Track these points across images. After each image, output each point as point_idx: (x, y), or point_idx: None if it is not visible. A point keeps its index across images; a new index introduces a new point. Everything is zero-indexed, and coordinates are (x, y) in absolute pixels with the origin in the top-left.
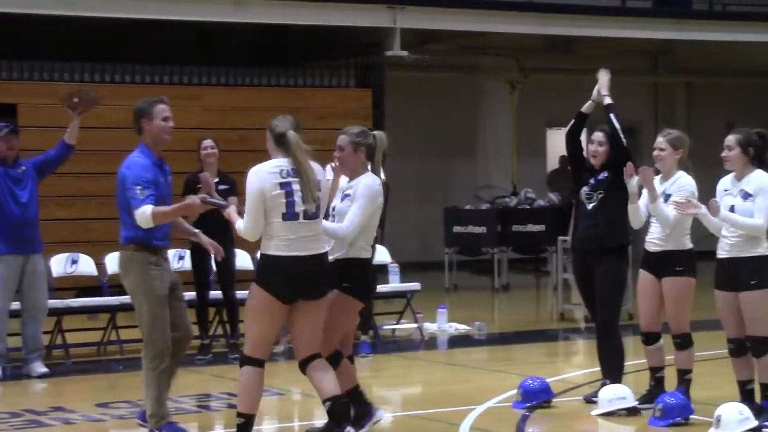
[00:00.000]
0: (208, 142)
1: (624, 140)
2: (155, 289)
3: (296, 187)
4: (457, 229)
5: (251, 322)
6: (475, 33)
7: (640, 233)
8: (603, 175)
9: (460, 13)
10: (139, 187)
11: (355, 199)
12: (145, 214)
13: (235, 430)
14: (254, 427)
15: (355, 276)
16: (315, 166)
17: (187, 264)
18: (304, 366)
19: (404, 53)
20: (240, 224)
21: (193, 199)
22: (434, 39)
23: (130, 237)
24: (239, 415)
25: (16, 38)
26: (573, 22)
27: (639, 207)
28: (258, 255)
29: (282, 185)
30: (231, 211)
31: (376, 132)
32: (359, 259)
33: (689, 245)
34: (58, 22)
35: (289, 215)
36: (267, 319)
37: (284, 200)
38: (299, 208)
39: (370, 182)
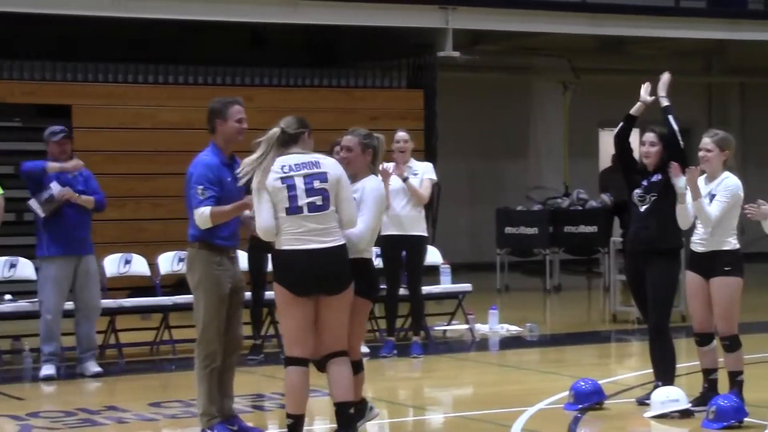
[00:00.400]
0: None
1: (681, 142)
2: (215, 289)
3: (298, 181)
4: (508, 230)
5: (281, 321)
6: (527, 33)
7: (688, 234)
8: (656, 177)
9: (512, 14)
10: (200, 187)
11: (363, 203)
12: (203, 214)
13: (285, 430)
14: (305, 428)
15: (362, 276)
16: (330, 159)
17: (241, 264)
18: (325, 362)
19: (456, 54)
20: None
21: (250, 198)
22: (486, 39)
23: (195, 235)
24: (288, 416)
25: (70, 40)
26: (626, 22)
27: (687, 207)
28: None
29: (283, 180)
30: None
31: (378, 135)
32: (364, 260)
33: (736, 245)
34: (112, 24)
35: (292, 209)
36: (291, 315)
37: (286, 194)
38: (302, 201)
39: (375, 185)
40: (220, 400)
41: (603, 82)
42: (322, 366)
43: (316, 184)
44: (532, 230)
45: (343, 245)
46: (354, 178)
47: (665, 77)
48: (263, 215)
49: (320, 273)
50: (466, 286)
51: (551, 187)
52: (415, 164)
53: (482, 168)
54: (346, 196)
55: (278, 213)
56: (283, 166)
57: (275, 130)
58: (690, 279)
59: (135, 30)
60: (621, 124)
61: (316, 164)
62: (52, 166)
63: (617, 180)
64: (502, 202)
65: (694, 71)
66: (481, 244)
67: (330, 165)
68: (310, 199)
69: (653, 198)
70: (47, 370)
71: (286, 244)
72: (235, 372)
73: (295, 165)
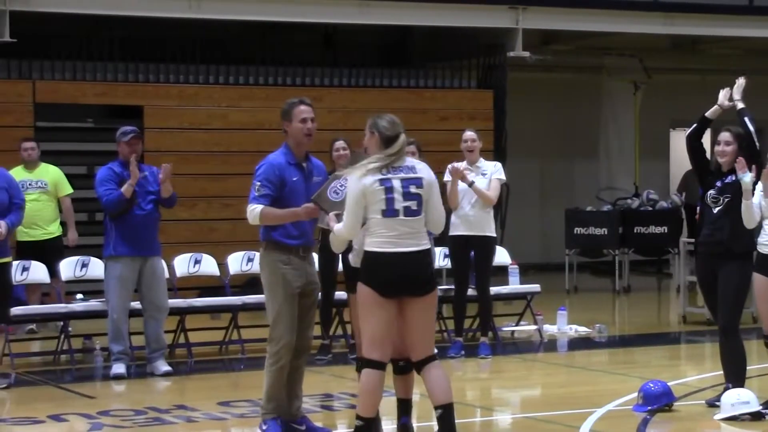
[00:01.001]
0: (340, 144)
1: (758, 144)
2: (282, 287)
3: (396, 184)
4: (578, 230)
5: (362, 323)
6: (598, 33)
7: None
8: (730, 178)
9: (582, 13)
10: (258, 184)
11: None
12: (254, 212)
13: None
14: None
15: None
16: (422, 164)
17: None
18: (420, 367)
19: (526, 54)
20: (338, 225)
21: (306, 207)
22: (556, 39)
23: (263, 233)
24: (359, 417)
25: (142, 41)
26: (699, 21)
27: (752, 205)
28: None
29: (381, 181)
30: (330, 219)
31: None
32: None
33: None
34: (184, 25)
35: (389, 212)
36: (374, 316)
37: (384, 197)
38: (399, 205)
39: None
40: (285, 399)
41: (675, 81)
42: (417, 368)
43: (413, 188)
44: (602, 231)
45: (429, 249)
46: None
47: (741, 81)
48: (356, 216)
49: (411, 275)
50: (535, 287)
51: (621, 187)
52: (484, 164)
53: (552, 168)
54: (436, 201)
55: (370, 214)
56: (382, 168)
57: (404, 137)
58: (757, 280)
59: (207, 31)
60: (695, 125)
61: (412, 168)
62: (126, 189)
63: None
64: (571, 202)
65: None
66: (550, 244)
67: (424, 170)
68: (407, 204)
69: (727, 199)
70: (117, 368)
71: (376, 246)
72: (305, 372)
73: (393, 168)
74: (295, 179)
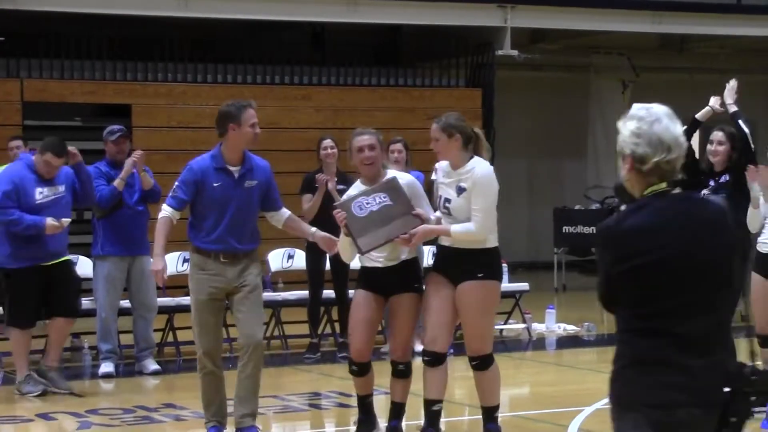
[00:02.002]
0: (327, 142)
1: (753, 145)
2: (194, 293)
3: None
4: (566, 229)
5: (487, 320)
6: (587, 32)
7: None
8: (724, 178)
9: (571, 12)
10: (174, 185)
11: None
12: (160, 214)
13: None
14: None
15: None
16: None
17: (297, 263)
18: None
19: (515, 52)
20: (470, 226)
21: (324, 237)
22: (545, 38)
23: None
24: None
25: (130, 40)
26: (688, 20)
27: (758, 213)
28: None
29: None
30: (434, 223)
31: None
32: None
33: None
34: (172, 24)
35: None
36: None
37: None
38: None
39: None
40: (224, 406)
41: (663, 80)
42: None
43: None
44: (590, 229)
45: None
46: (377, 176)
47: (732, 84)
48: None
49: None
50: (524, 286)
51: (610, 186)
52: (477, 162)
53: (540, 167)
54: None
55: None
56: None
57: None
58: (755, 280)
59: (195, 29)
60: (684, 127)
61: None
62: (119, 183)
63: None
64: (560, 201)
65: (757, 69)
66: (538, 243)
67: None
68: None
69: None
70: (106, 367)
71: (495, 242)
72: (292, 370)
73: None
74: (216, 185)
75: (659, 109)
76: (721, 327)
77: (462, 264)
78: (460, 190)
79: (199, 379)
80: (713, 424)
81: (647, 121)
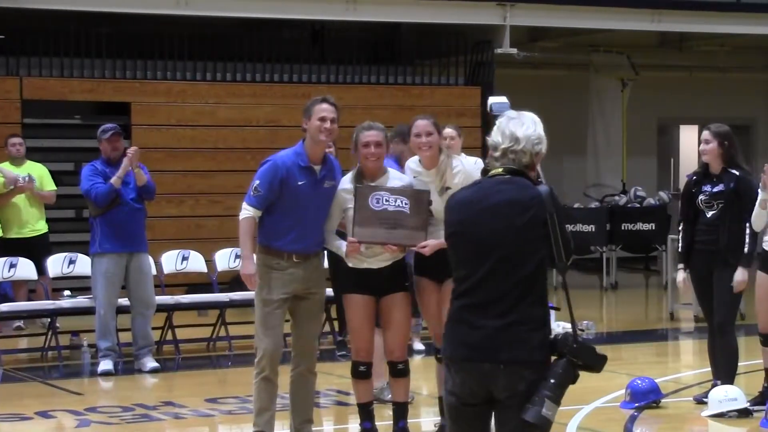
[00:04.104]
0: None
1: None
2: (263, 292)
3: None
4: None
5: None
6: (586, 30)
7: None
8: (719, 187)
9: (570, 10)
10: (257, 183)
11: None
12: (242, 216)
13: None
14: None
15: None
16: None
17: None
18: None
19: (514, 51)
20: None
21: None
22: (544, 36)
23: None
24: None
25: (130, 38)
26: (687, 18)
27: (765, 214)
28: None
29: None
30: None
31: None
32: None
33: None
34: (171, 22)
35: None
36: None
37: None
38: None
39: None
40: (271, 416)
41: (662, 78)
42: None
43: None
44: (590, 228)
45: None
46: (378, 173)
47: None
48: None
49: None
50: None
51: (609, 184)
52: (463, 159)
53: (539, 165)
54: None
55: None
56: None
57: None
58: (760, 279)
59: (194, 27)
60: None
61: None
62: (116, 180)
63: None
64: (560, 199)
65: (756, 67)
66: None
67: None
68: None
69: (721, 205)
70: (105, 365)
71: None
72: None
73: None
74: (300, 183)
75: (526, 114)
76: (511, 295)
77: (446, 262)
78: (444, 190)
79: (254, 383)
80: (508, 377)
81: (508, 118)
